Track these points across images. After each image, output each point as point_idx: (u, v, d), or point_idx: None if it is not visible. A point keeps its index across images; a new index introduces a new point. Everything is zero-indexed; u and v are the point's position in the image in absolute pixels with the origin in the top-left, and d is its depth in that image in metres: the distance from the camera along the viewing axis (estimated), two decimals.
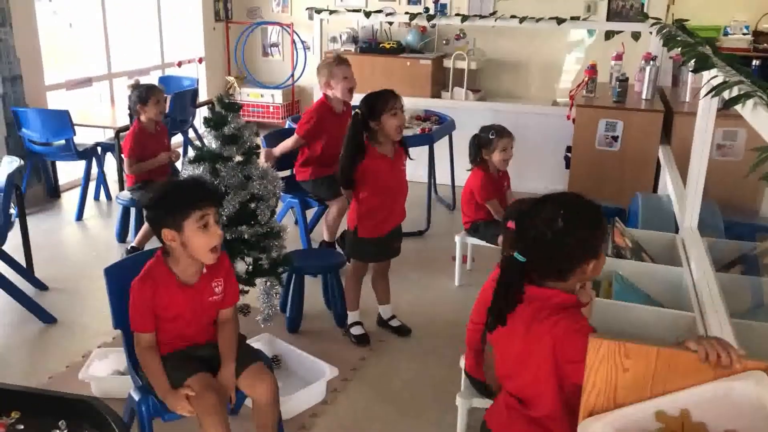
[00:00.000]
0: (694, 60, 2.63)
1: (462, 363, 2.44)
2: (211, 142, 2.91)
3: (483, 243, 3.78)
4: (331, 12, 5.85)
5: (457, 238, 3.89)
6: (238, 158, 2.93)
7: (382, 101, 3.01)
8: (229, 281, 2.32)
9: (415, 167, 4.04)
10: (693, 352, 1.32)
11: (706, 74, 2.51)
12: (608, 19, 6.56)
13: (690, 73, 4.50)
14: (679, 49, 3.03)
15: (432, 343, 3.37)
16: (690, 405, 1.32)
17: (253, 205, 2.94)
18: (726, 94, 2.03)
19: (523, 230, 1.73)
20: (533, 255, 1.70)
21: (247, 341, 2.49)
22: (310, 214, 4.52)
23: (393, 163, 3.12)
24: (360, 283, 3.34)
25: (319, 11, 5.85)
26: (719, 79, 2.18)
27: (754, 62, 5.19)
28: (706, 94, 2.45)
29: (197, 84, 6.27)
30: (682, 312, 2.32)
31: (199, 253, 2.15)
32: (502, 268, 1.80)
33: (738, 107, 1.92)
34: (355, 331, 3.34)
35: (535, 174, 5.31)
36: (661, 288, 2.65)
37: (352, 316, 3.36)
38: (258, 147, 2.97)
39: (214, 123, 2.93)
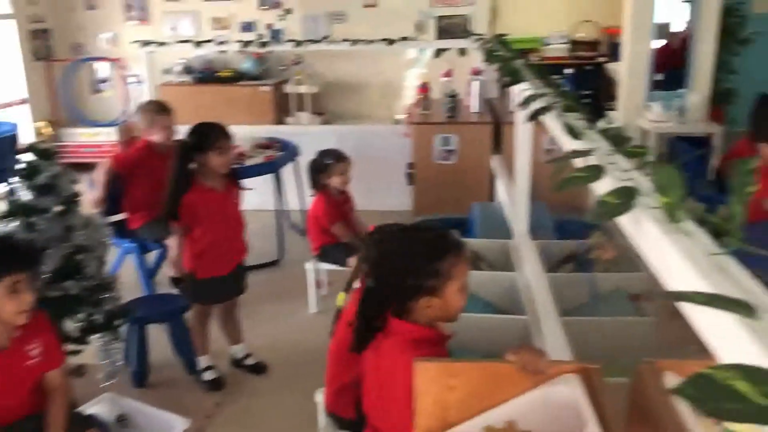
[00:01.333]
0: (507, 74, 2.78)
1: (318, 398, 2.37)
2: (23, 194, 2.68)
3: (335, 267, 3.76)
4: (160, 44, 5.64)
5: (307, 265, 3.85)
6: (57, 208, 2.72)
7: (209, 138, 2.87)
8: (50, 343, 2.16)
9: (264, 196, 3.94)
10: (512, 364, 1.36)
11: (521, 86, 2.65)
12: (439, 37, 6.82)
13: None
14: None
15: (291, 376, 3.28)
16: (515, 415, 1.36)
17: (79, 257, 2.74)
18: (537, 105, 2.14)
19: (370, 256, 1.72)
20: (376, 281, 1.68)
21: (87, 403, 2.31)
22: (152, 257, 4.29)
23: (222, 197, 2.99)
24: (206, 325, 3.19)
25: (146, 43, 5.62)
26: (530, 92, 2.31)
27: (565, 70, 5.58)
28: (518, 107, 2.59)
29: (17, 129, 5.80)
30: (515, 316, 2.42)
31: (6, 317, 2.00)
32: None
33: (543, 118, 2.03)
34: (208, 376, 3.18)
35: (381, 192, 5.37)
36: (499, 294, 2.75)
37: (203, 361, 3.20)
38: (78, 195, 2.77)
39: (26, 173, 2.71)
